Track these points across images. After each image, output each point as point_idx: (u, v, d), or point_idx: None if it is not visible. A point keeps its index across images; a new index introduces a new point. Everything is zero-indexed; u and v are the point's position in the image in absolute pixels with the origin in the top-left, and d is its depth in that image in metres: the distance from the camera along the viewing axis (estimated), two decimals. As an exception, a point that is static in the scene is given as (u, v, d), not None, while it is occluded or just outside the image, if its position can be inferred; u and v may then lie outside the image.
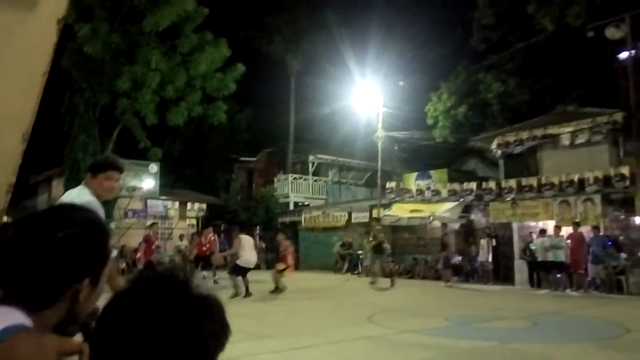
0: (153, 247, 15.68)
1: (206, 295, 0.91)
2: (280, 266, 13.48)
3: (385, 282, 15.54)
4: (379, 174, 21.77)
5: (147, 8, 17.24)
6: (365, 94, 22.44)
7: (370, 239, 17.73)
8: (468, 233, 19.39)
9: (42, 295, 1.01)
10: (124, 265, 19.22)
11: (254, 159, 31.26)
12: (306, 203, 27.50)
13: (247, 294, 12.52)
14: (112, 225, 20.92)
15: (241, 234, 13.52)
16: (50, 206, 1.22)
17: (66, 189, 19.91)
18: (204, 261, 15.30)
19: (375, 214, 20.96)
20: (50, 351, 0.94)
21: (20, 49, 2.08)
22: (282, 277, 13.30)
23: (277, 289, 13.11)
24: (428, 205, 19.78)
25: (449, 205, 19.14)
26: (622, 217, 15.65)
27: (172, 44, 18.23)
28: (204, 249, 15.91)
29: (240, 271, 12.70)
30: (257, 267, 22.41)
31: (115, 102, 18.60)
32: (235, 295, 12.24)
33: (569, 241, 14.72)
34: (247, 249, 12.85)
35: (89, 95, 18.90)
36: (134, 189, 21.09)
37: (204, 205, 26.27)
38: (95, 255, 1.09)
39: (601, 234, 14.91)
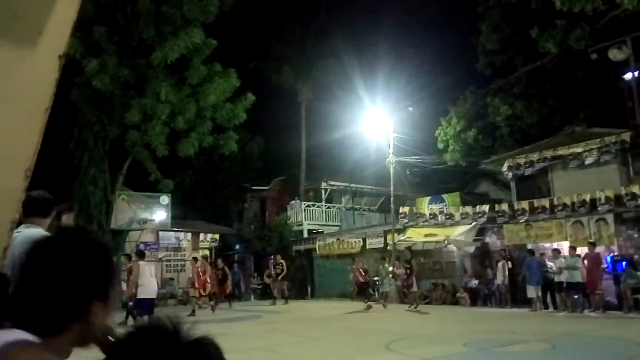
0: None
1: (198, 339, 0.89)
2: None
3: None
4: (391, 199, 21.66)
5: (156, 41, 17.49)
6: (375, 120, 22.53)
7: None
8: (483, 256, 19.15)
9: (49, 322, 1.03)
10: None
11: (267, 187, 31.30)
12: (320, 230, 27.39)
13: None
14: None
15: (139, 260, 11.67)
16: (54, 233, 1.22)
17: (76, 224, 19.83)
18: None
19: (389, 239, 20.81)
20: None
21: (21, 86, 2.11)
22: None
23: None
24: (442, 229, 19.63)
25: (462, 228, 18.97)
26: (636, 235, 15.48)
27: (181, 75, 18.40)
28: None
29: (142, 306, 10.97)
30: (273, 297, 22.41)
31: (125, 135, 18.68)
32: None
33: (585, 261, 14.52)
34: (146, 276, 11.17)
35: (98, 128, 18.98)
36: (145, 221, 21.10)
37: (217, 236, 26.26)
38: (99, 277, 1.11)
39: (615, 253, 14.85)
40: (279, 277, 20.95)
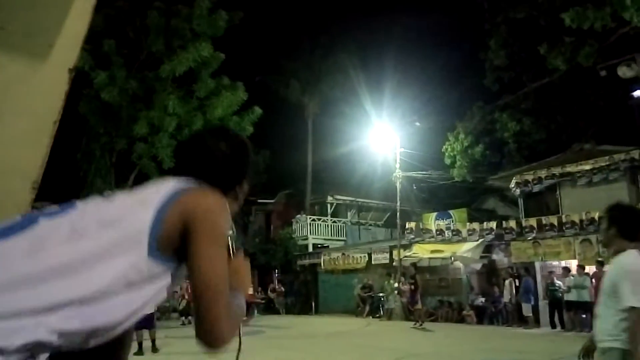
0: None
1: None
2: None
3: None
4: (398, 214, 21.55)
5: (164, 55, 17.62)
6: (382, 135, 22.54)
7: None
8: (490, 273, 18.98)
9: (222, 184, 1.42)
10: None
11: (272, 200, 31.29)
12: (325, 245, 27.28)
13: (153, 347, 10.53)
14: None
15: None
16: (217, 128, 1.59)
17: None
18: None
19: (395, 254, 20.67)
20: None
21: (31, 99, 2.10)
22: None
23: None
24: (449, 245, 19.50)
25: (469, 245, 18.84)
26: (646, 255, 15.28)
27: (189, 88, 18.49)
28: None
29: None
30: (277, 311, 22.21)
31: (132, 147, 18.74)
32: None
33: (593, 280, 14.35)
34: None
35: (105, 140, 19.04)
36: (151, 233, 21.17)
37: (222, 249, 26.15)
38: (247, 167, 1.53)
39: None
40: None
